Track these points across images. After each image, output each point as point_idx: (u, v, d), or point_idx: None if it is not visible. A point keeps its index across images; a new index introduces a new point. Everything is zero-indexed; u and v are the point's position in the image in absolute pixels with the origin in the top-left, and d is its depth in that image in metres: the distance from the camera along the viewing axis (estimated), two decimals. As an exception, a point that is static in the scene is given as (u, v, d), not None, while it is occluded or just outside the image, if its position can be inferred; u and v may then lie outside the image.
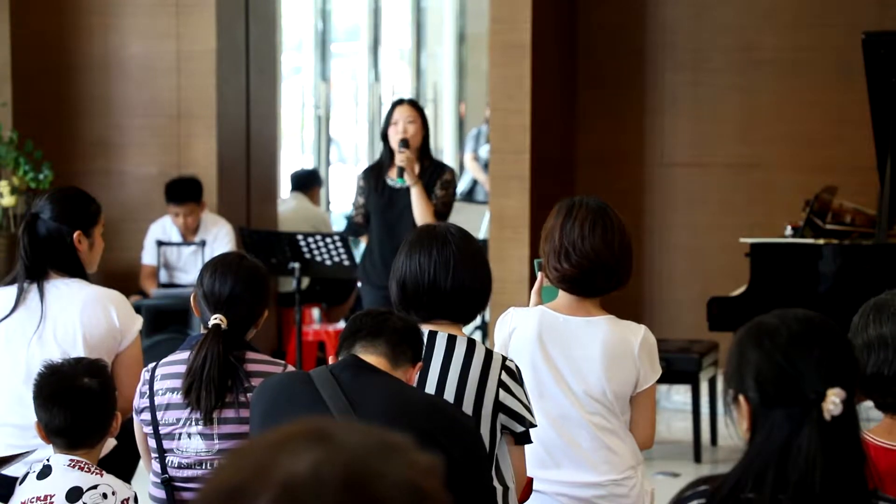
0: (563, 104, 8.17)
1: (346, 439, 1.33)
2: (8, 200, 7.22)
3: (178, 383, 3.49)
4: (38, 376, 3.45)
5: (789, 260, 6.12)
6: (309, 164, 11.26)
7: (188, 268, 7.55)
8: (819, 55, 7.93)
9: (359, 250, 7.90)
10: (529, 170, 7.41)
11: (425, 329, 3.31)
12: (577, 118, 8.31)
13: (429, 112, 6.66)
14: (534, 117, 7.42)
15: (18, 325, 4.04)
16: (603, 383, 3.62)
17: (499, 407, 3.30)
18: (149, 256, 7.62)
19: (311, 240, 7.02)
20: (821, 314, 2.29)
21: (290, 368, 3.56)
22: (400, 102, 6.45)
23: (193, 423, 3.48)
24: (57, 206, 4.10)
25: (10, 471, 3.70)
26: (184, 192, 7.40)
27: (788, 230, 6.38)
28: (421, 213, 6.13)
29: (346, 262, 7.03)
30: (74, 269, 4.10)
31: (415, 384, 3.15)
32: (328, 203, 11.26)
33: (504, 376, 3.32)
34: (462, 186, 11.67)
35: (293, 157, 11.60)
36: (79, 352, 3.94)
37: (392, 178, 6.27)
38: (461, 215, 7.26)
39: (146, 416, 3.54)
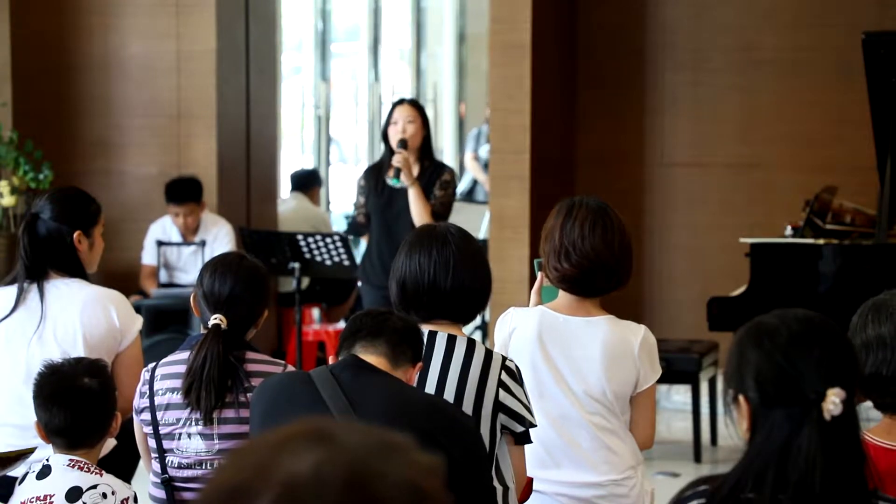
0: (563, 104, 8.17)
1: (347, 439, 1.34)
2: (8, 200, 7.23)
3: (178, 383, 3.49)
4: (38, 376, 3.45)
5: (789, 260, 6.12)
6: (309, 164, 11.26)
7: (188, 268, 7.55)
8: (819, 55, 7.93)
9: (359, 250, 7.90)
10: (529, 170, 7.41)
11: (425, 329, 3.31)
12: (577, 118, 8.31)
13: (429, 112, 6.65)
14: (534, 117, 7.43)
15: (18, 325, 4.04)
16: (603, 383, 3.62)
17: (499, 407, 3.30)
18: (149, 256, 7.62)
19: (311, 240, 7.02)
20: (821, 314, 2.29)
21: (290, 368, 3.56)
22: (400, 102, 6.45)
23: (193, 423, 3.48)
24: (57, 206, 4.10)
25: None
26: (184, 192, 7.40)
27: (788, 230, 6.38)
28: (418, 213, 6.13)
29: (346, 262, 7.03)
30: (74, 269, 4.10)
31: (415, 384, 3.15)
32: (328, 203, 11.26)
33: (504, 376, 3.32)
34: (462, 186, 11.67)
35: (293, 157, 11.60)
36: (79, 352, 3.94)
37: (390, 178, 6.27)
38: (461, 215, 7.26)
39: (146, 416, 3.54)
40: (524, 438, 3.35)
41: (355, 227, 6.73)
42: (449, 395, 3.28)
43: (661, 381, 3.83)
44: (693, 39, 8.15)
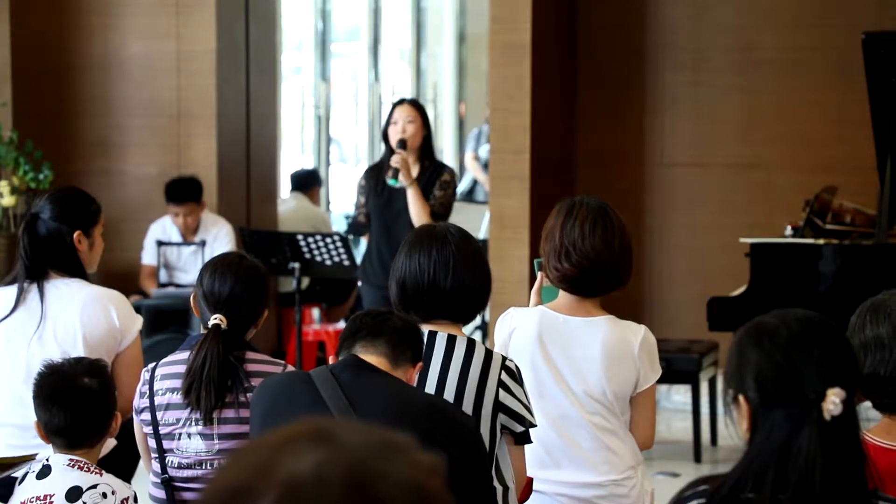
0: (563, 104, 8.18)
1: (348, 439, 1.34)
2: (8, 200, 7.23)
3: (177, 383, 3.49)
4: (38, 376, 3.45)
5: (789, 260, 6.12)
6: (309, 164, 11.26)
7: (188, 268, 7.55)
8: (819, 55, 7.93)
9: (359, 250, 7.90)
10: (529, 170, 7.41)
11: (425, 329, 3.31)
12: (577, 118, 8.31)
13: (429, 112, 6.65)
14: (534, 117, 7.43)
15: (18, 325, 4.04)
16: (603, 383, 3.62)
17: (499, 407, 3.30)
18: (149, 256, 7.62)
19: (311, 240, 7.02)
20: (821, 314, 2.30)
21: (290, 368, 3.56)
22: (400, 102, 6.45)
23: (193, 423, 3.48)
24: (57, 206, 4.10)
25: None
26: (184, 192, 7.40)
27: (788, 230, 6.38)
28: (417, 213, 6.13)
29: (346, 262, 7.03)
30: (74, 269, 4.10)
31: (415, 384, 3.15)
32: (328, 203, 11.26)
33: (504, 376, 3.32)
34: (462, 186, 11.68)
35: (293, 157, 11.60)
36: (79, 352, 3.94)
37: (388, 179, 6.27)
38: (461, 215, 7.25)
39: (146, 416, 3.54)
40: (524, 438, 3.35)
41: (356, 227, 6.73)
42: (449, 394, 3.28)
43: (661, 381, 3.83)
44: (693, 39, 8.15)
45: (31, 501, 3.32)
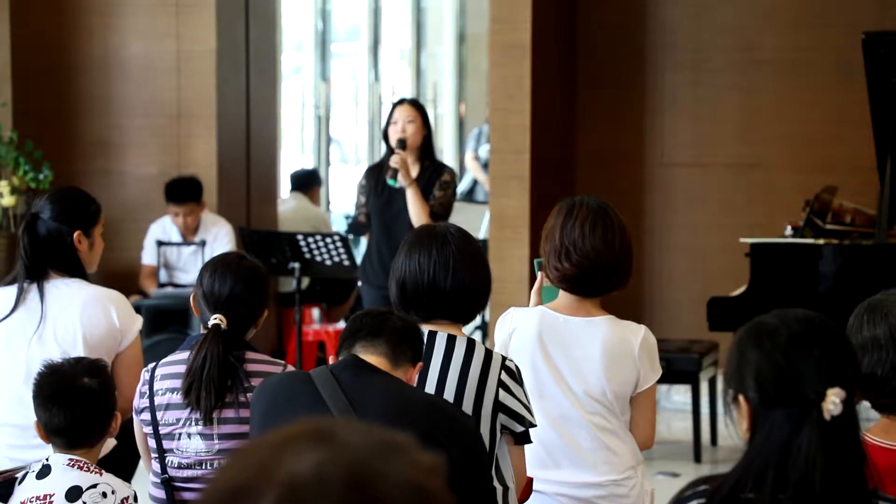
0: (563, 104, 8.18)
1: (348, 439, 1.34)
2: (8, 200, 7.23)
3: (177, 383, 3.49)
4: (37, 376, 3.45)
5: (789, 260, 6.12)
6: (309, 165, 11.26)
7: (188, 268, 7.55)
8: (819, 55, 7.93)
9: (359, 250, 7.90)
10: (529, 170, 7.41)
11: (425, 329, 3.31)
12: (577, 118, 8.31)
13: (429, 112, 6.65)
14: (534, 117, 7.43)
15: (18, 325, 4.04)
16: (603, 383, 3.62)
17: (498, 407, 3.30)
18: (149, 256, 7.62)
19: (311, 240, 7.02)
20: (821, 314, 2.30)
21: (290, 368, 3.56)
22: (401, 102, 6.45)
23: (193, 423, 3.48)
24: (57, 206, 4.10)
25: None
26: (183, 192, 7.40)
27: (788, 230, 6.38)
28: (416, 214, 6.13)
29: (346, 262, 7.03)
30: (74, 269, 4.10)
31: (415, 384, 3.15)
32: (328, 203, 11.26)
33: (504, 376, 3.32)
34: (462, 186, 11.67)
35: (293, 157, 11.60)
36: (79, 352, 3.94)
37: (388, 179, 6.27)
38: (461, 215, 7.25)
39: (146, 416, 3.54)
40: (524, 438, 3.35)
41: (356, 227, 6.73)
42: (449, 394, 3.28)
43: (661, 381, 3.83)
44: (693, 39, 8.15)
45: (31, 501, 3.32)
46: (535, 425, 3.36)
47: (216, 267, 3.58)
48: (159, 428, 3.51)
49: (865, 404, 2.90)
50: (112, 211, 7.00)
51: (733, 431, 2.29)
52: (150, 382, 3.54)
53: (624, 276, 3.64)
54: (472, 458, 2.99)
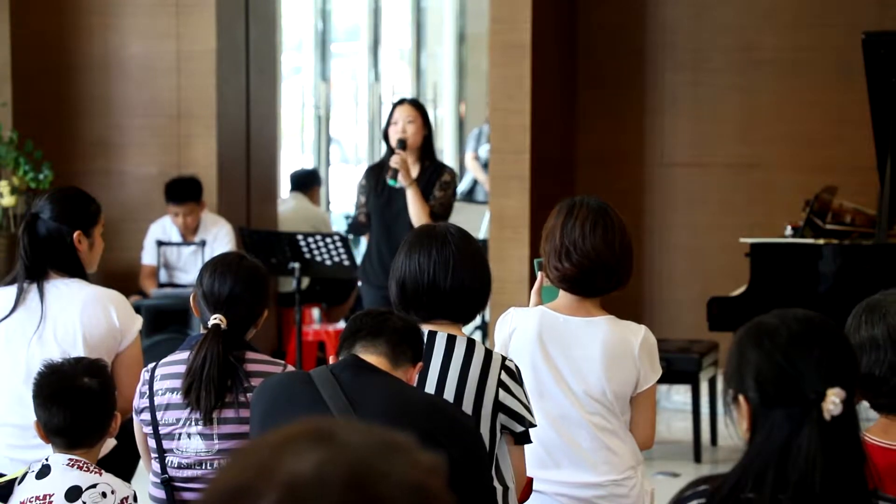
0: (563, 104, 8.18)
1: (349, 439, 1.34)
2: (8, 200, 7.22)
3: (177, 383, 3.49)
4: (37, 375, 3.45)
5: (789, 260, 6.12)
6: (309, 165, 11.26)
7: (188, 268, 7.55)
8: (819, 55, 7.93)
9: (359, 250, 7.90)
10: (529, 170, 7.41)
11: (425, 329, 3.31)
12: (577, 118, 8.31)
13: (429, 112, 6.65)
14: (534, 117, 7.43)
15: (18, 325, 4.04)
16: (603, 383, 3.62)
17: (498, 407, 3.30)
18: (149, 256, 7.62)
19: (311, 240, 7.02)
20: (821, 314, 2.30)
21: (290, 368, 3.56)
22: (401, 102, 6.44)
23: (193, 423, 3.48)
24: (57, 206, 4.10)
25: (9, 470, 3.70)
26: (183, 192, 7.40)
27: (788, 230, 6.38)
28: (416, 214, 6.13)
29: (346, 262, 7.03)
30: (74, 269, 4.10)
31: (415, 384, 3.15)
32: (328, 203, 11.26)
33: (504, 376, 3.32)
34: (462, 186, 11.67)
35: (293, 157, 11.60)
36: (79, 352, 3.94)
37: (388, 179, 6.26)
38: (461, 215, 7.25)
39: (146, 416, 3.54)
40: (524, 438, 3.35)
41: (356, 227, 6.73)
42: (449, 394, 3.28)
43: (661, 381, 3.83)
44: (693, 39, 8.15)
45: (30, 501, 3.32)
46: (535, 425, 3.36)
47: (216, 267, 3.58)
48: (159, 428, 3.51)
49: (865, 404, 2.90)
50: (112, 211, 7.00)
51: (733, 431, 2.29)
52: (150, 382, 3.54)
53: (624, 277, 3.64)
54: (473, 458, 2.99)
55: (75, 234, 4.09)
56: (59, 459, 3.37)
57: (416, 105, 6.45)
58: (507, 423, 3.31)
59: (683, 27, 8.16)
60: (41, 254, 4.06)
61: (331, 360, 3.11)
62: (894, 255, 6.04)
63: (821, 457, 2.16)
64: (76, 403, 3.38)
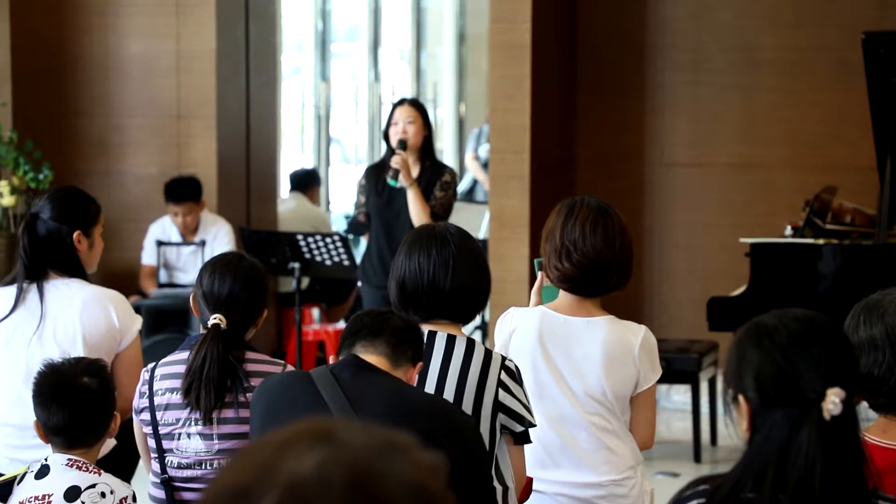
0: (563, 104, 8.18)
1: (349, 439, 1.34)
2: (8, 200, 7.22)
3: (177, 383, 3.49)
4: (37, 375, 3.45)
5: (789, 260, 6.12)
6: (309, 165, 11.26)
7: (188, 268, 7.55)
8: (819, 55, 7.93)
9: (359, 250, 7.90)
10: (529, 170, 7.41)
11: (424, 329, 3.31)
12: (577, 118, 8.31)
13: (429, 112, 6.65)
14: (534, 117, 7.42)
15: (18, 326, 4.04)
16: (603, 383, 3.62)
17: (498, 407, 3.30)
18: (148, 256, 7.62)
19: (310, 240, 7.02)
20: (820, 314, 2.30)
21: (290, 368, 3.56)
22: (401, 103, 6.44)
23: (193, 423, 3.48)
24: (57, 206, 4.10)
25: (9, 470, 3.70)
26: (183, 191, 7.40)
27: (788, 230, 6.38)
28: (417, 214, 6.13)
29: (346, 262, 7.03)
30: (74, 269, 4.10)
31: (415, 384, 3.15)
32: (328, 203, 11.26)
33: (503, 376, 3.32)
34: (462, 186, 11.67)
35: (293, 157, 11.60)
36: (78, 352, 3.94)
37: (389, 179, 6.26)
38: (461, 215, 7.25)
39: (146, 416, 3.54)
40: (524, 438, 3.35)
41: (355, 227, 6.73)
42: (448, 394, 3.28)
43: (660, 381, 3.83)
44: (693, 39, 8.15)
45: (29, 501, 3.32)
46: (535, 425, 3.36)
47: (215, 267, 3.58)
48: (159, 428, 3.51)
49: (864, 404, 2.90)
50: (112, 211, 7.00)
51: (733, 431, 2.29)
52: (150, 382, 3.54)
53: (624, 277, 3.64)
54: (473, 458, 2.99)
55: (75, 234, 4.09)
56: (58, 459, 3.37)
57: (417, 105, 6.45)
58: (506, 423, 3.31)
59: (683, 27, 8.16)
60: (41, 254, 4.06)
61: (331, 360, 3.11)
62: (894, 255, 6.04)
63: (820, 457, 2.16)
64: (75, 403, 3.38)
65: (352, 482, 1.30)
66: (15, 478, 3.41)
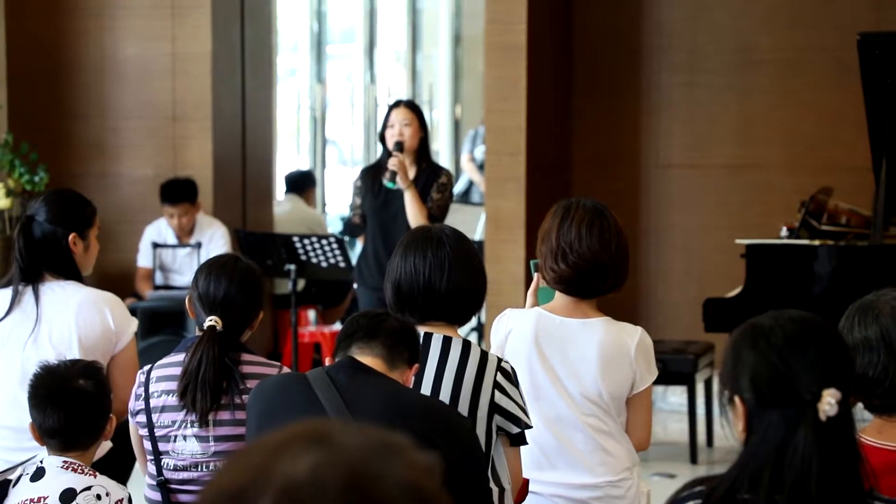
0: (559, 105, 8.18)
1: (345, 441, 1.33)
2: (3, 203, 7.22)
3: (173, 385, 3.49)
4: (33, 377, 3.45)
5: (785, 261, 6.12)
6: (305, 166, 11.25)
7: (183, 270, 7.55)
8: (815, 56, 7.93)
9: (355, 252, 7.90)
10: (525, 171, 7.40)
11: (420, 331, 3.31)
12: (572, 119, 8.31)
13: (425, 114, 6.65)
14: (529, 119, 7.42)
15: (14, 328, 4.04)
16: (599, 385, 3.62)
17: (494, 408, 3.30)
18: (144, 259, 7.62)
19: (306, 241, 7.02)
20: (816, 315, 2.30)
21: (286, 370, 3.56)
22: (397, 104, 6.44)
23: (189, 425, 3.48)
24: (52, 209, 4.10)
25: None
26: (178, 193, 7.40)
27: (784, 231, 6.38)
28: (414, 216, 6.13)
29: (342, 264, 7.03)
30: (69, 271, 4.10)
31: (411, 386, 3.15)
32: (324, 205, 11.26)
33: (499, 377, 3.32)
34: (458, 188, 11.67)
35: (289, 158, 11.60)
36: (74, 354, 3.94)
37: (385, 181, 6.27)
38: (457, 217, 7.26)
39: (141, 418, 3.54)
40: (520, 440, 3.35)
41: (351, 228, 6.74)
42: (444, 396, 3.28)
43: (656, 382, 3.83)
44: (689, 40, 8.16)
45: (25, 504, 3.32)
46: (531, 427, 3.36)
47: (211, 269, 3.58)
48: (155, 430, 3.51)
49: (859, 405, 2.90)
50: (107, 213, 6.99)
51: (729, 432, 2.29)
52: (146, 384, 3.54)
53: (620, 278, 3.64)
54: (469, 460, 2.99)
55: (71, 237, 4.08)
56: (53, 461, 3.36)
57: (412, 107, 6.45)
58: (503, 424, 3.31)
59: (679, 28, 8.17)
60: (36, 256, 4.06)
61: (327, 361, 3.11)
62: (890, 256, 6.04)
63: (816, 457, 2.16)
64: (71, 405, 3.38)
65: (348, 484, 1.30)
66: (10, 481, 3.40)
